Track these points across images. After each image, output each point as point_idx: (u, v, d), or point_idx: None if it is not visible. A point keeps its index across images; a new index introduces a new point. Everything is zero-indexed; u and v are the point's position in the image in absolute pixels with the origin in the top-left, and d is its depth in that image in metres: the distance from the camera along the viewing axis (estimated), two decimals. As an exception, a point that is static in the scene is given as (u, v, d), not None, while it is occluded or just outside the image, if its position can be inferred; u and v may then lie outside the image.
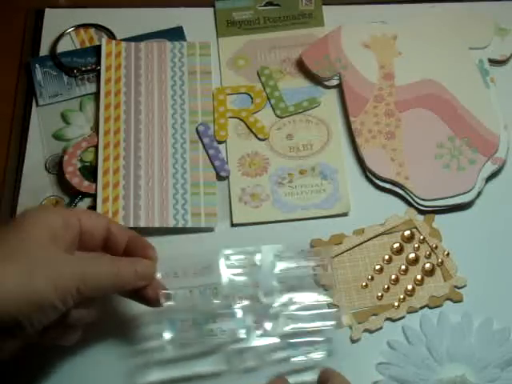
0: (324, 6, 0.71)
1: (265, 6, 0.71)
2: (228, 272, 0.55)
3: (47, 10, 0.71)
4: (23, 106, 0.67)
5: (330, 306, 0.57)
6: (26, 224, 0.51)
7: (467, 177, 0.62)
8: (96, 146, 0.64)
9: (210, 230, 0.62)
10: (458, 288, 0.59)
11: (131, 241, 0.55)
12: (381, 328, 0.57)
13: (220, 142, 0.65)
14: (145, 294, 0.54)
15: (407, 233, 0.60)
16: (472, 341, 0.56)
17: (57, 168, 0.64)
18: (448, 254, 0.60)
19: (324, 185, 0.63)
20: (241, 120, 0.66)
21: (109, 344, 0.58)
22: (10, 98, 0.67)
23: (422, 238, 0.60)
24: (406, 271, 0.59)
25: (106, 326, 0.58)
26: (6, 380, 0.57)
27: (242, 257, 0.55)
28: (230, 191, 0.63)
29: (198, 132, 0.64)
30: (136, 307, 0.56)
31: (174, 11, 0.72)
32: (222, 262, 0.55)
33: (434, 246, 0.60)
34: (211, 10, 0.72)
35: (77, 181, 0.63)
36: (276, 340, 0.55)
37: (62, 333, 0.53)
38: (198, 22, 0.71)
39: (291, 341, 0.56)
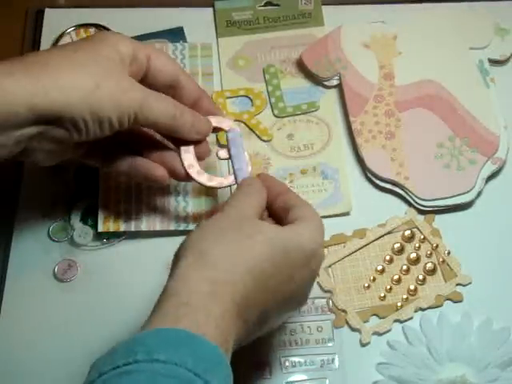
0: (324, 6, 0.71)
1: (264, 6, 0.71)
2: None
3: (47, 10, 0.71)
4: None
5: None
6: (97, 42, 0.53)
7: (467, 177, 0.62)
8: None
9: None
10: (463, 286, 0.59)
11: (200, 100, 0.57)
12: (389, 330, 0.57)
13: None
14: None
15: (407, 232, 0.60)
16: (472, 341, 0.56)
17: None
18: (449, 253, 0.60)
19: (325, 184, 0.63)
20: (242, 123, 0.66)
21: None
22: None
23: (422, 237, 0.60)
24: (407, 271, 0.59)
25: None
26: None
27: None
28: (231, 192, 0.63)
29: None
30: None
31: (174, 11, 0.72)
32: None
33: (435, 245, 0.60)
34: (211, 10, 0.72)
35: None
36: None
37: (98, 158, 0.57)
38: (197, 23, 0.71)
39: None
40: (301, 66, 0.68)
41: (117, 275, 0.60)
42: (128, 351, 0.41)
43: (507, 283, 0.59)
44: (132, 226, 0.61)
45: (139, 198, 0.62)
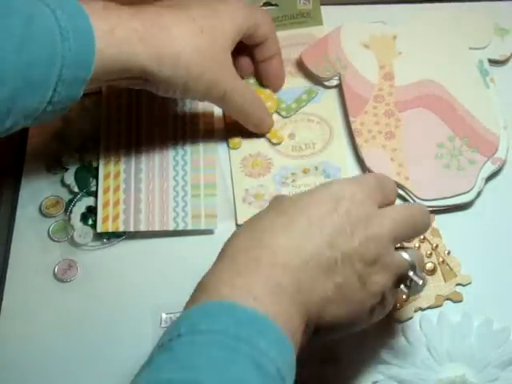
0: (323, 7, 0.71)
1: (263, 5, 0.71)
2: None
3: (47, 10, 0.71)
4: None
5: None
6: (220, 18, 0.58)
7: (467, 177, 0.61)
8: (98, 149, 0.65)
9: (209, 232, 0.62)
10: (463, 286, 0.59)
11: (273, 58, 0.64)
12: (389, 330, 0.57)
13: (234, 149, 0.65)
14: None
15: (407, 232, 0.60)
16: (472, 341, 0.56)
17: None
18: (449, 253, 0.60)
19: None
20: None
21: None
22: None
23: (422, 237, 0.60)
24: (407, 271, 0.59)
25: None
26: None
27: None
28: (233, 192, 0.63)
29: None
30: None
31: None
32: None
33: (435, 245, 0.60)
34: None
35: None
36: None
37: None
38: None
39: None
40: (300, 66, 0.68)
41: (117, 275, 0.60)
42: (173, 328, 0.42)
43: (507, 283, 0.59)
44: (131, 226, 0.61)
45: (138, 198, 0.62)
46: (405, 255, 0.49)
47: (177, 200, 0.62)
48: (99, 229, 0.61)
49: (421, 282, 0.49)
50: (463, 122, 0.64)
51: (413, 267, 0.49)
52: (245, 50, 0.64)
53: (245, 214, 0.61)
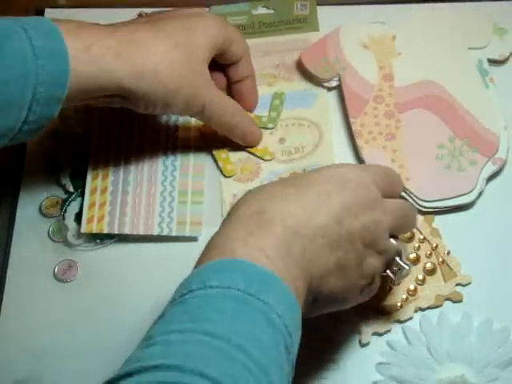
0: (321, 7, 0.71)
1: (259, 10, 0.71)
2: None
3: (47, 10, 0.71)
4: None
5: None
6: (193, 32, 0.58)
7: (468, 177, 0.61)
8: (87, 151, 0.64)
9: (193, 239, 0.61)
10: (463, 286, 0.59)
11: (246, 81, 0.64)
12: (389, 330, 0.57)
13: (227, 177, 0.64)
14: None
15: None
16: (472, 341, 0.56)
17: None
18: (449, 253, 0.60)
19: None
20: (243, 151, 0.65)
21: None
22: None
23: (422, 237, 0.60)
24: (407, 271, 0.59)
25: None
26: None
27: None
28: (221, 197, 0.62)
29: None
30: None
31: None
32: None
33: (435, 245, 0.60)
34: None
35: None
36: None
37: None
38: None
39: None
40: (300, 67, 0.68)
41: (117, 275, 0.60)
42: (185, 285, 0.43)
43: (507, 283, 0.59)
44: (115, 229, 0.61)
45: (125, 200, 0.62)
46: (395, 242, 0.52)
47: (163, 205, 0.62)
48: (83, 229, 0.61)
49: (407, 267, 0.52)
50: (463, 122, 0.64)
51: (400, 254, 0.52)
52: (219, 70, 0.64)
53: None
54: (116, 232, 0.61)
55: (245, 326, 0.40)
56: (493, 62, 0.67)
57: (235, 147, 0.64)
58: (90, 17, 0.71)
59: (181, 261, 0.61)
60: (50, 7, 0.72)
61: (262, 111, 0.66)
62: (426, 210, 0.61)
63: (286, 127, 0.65)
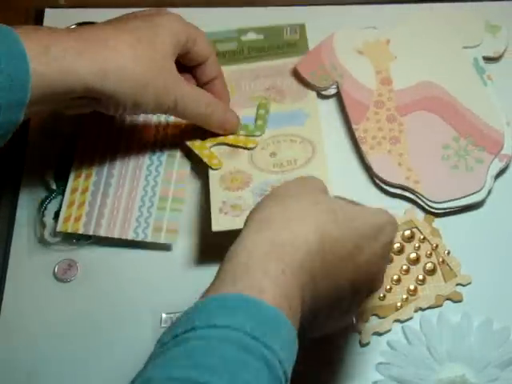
0: (315, 7, 0.71)
1: (249, 36, 0.70)
2: None
3: (47, 10, 0.72)
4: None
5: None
6: (158, 29, 0.57)
7: (476, 176, 0.62)
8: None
9: (167, 247, 0.61)
10: (463, 286, 0.59)
11: (215, 80, 0.63)
12: (389, 330, 0.57)
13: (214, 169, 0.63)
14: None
15: (407, 232, 0.60)
16: (472, 341, 0.56)
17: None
18: (449, 253, 0.60)
19: None
20: (224, 144, 0.63)
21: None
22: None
23: (422, 237, 0.60)
24: (407, 271, 0.59)
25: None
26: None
27: None
28: (210, 204, 0.60)
29: None
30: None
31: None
32: None
33: (435, 245, 0.60)
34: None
35: None
36: None
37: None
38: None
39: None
40: (297, 76, 0.67)
41: (117, 275, 0.60)
42: (187, 319, 0.42)
43: (507, 283, 0.59)
44: (91, 230, 0.60)
45: (104, 202, 0.61)
46: None
47: (142, 210, 0.61)
48: (59, 228, 0.61)
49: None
50: (466, 121, 0.64)
51: None
52: (187, 72, 0.63)
53: (220, 220, 0.59)
54: (91, 233, 0.60)
55: (246, 377, 0.39)
56: (488, 59, 0.68)
57: (217, 142, 0.63)
58: (89, 17, 0.71)
59: (181, 261, 0.61)
60: (50, 7, 0.72)
61: (275, 125, 0.65)
62: (437, 211, 0.61)
63: (278, 143, 0.63)
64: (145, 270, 0.61)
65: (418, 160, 0.63)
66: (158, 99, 0.57)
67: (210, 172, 0.62)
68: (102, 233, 0.60)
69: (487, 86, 0.66)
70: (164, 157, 0.63)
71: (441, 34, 0.68)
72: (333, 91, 0.67)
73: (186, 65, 0.62)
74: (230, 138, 0.63)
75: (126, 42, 0.55)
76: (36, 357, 0.57)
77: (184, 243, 0.61)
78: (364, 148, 0.64)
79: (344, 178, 0.63)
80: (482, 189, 0.61)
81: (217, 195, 0.60)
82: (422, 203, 0.61)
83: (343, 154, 0.65)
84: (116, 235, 0.60)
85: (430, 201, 0.61)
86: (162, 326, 0.58)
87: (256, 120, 0.64)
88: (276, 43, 0.69)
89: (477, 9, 0.70)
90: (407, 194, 0.62)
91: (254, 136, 0.64)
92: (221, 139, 0.63)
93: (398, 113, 0.65)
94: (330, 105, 0.67)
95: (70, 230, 0.60)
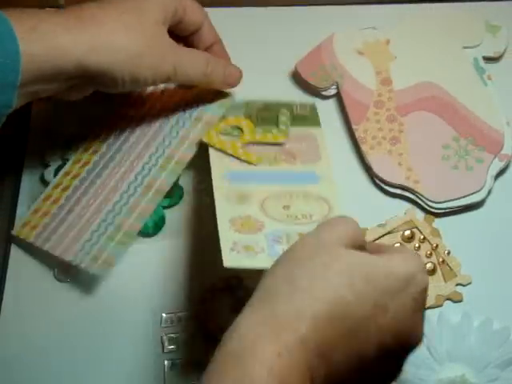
0: (314, 7, 0.71)
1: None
2: None
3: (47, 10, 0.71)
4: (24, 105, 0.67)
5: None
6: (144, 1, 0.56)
7: (476, 176, 0.62)
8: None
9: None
10: (463, 286, 0.59)
11: (214, 45, 0.62)
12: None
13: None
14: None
15: (407, 233, 0.60)
16: (472, 341, 0.56)
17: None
18: (449, 253, 0.60)
19: None
20: (229, 155, 0.61)
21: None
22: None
23: (422, 237, 0.60)
24: (407, 271, 0.59)
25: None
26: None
27: None
28: (219, 240, 0.55)
29: None
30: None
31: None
32: None
33: (435, 245, 0.60)
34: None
35: None
36: None
37: None
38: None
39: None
40: (297, 78, 0.67)
41: (117, 275, 0.60)
42: None
43: (507, 283, 0.59)
44: (39, 242, 0.60)
45: (65, 218, 0.60)
46: None
47: (93, 235, 0.59)
48: (14, 231, 0.61)
49: None
50: (466, 121, 0.64)
51: None
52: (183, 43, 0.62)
53: (232, 259, 0.53)
54: (37, 245, 0.59)
55: None
56: (488, 59, 0.68)
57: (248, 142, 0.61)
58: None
59: (181, 260, 0.61)
60: (50, 7, 0.72)
61: (282, 181, 0.60)
62: (437, 211, 0.61)
63: (291, 197, 0.59)
64: (145, 269, 0.60)
65: (418, 160, 0.63)
66: (155, 67, 0.56)
67: (218, 212, 0.57)
68: (46, 248, 0.59)
69: (487, 86, 0.66)
70: (140, 188, 0.61)
71: (441, 33, 0.68)
72: (333, 91, 0.67)
73: (181, 35, 0.61)
74: (258, 137, 0.62)
75: (113, 15, 0.54)
76: (36, 357, 0.57)
77: (184, 243, 0.61)
78: (364, 148, 0.64)
79: (344, 178, 0.63)
80: (481, 189, 0.61)
81: (226, 235, 0.55)
82: (422, 203, 0.61)
83: (343, 154, 0.65)
84: (57, 254, 0.59)
85: (430, 201, 0.61)
86: (162, 326, 0.58)
87: (279, 125, 0.63)
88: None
89: (477, 9, 0.70)
90: (407, 194, 0.62)
91: (277, 144, 0.62)
92: (248, 139, 0.62)
93: (398, 113, 0.65)
94: (330, 105, 0.67)
95: (22, 236, 0.60)
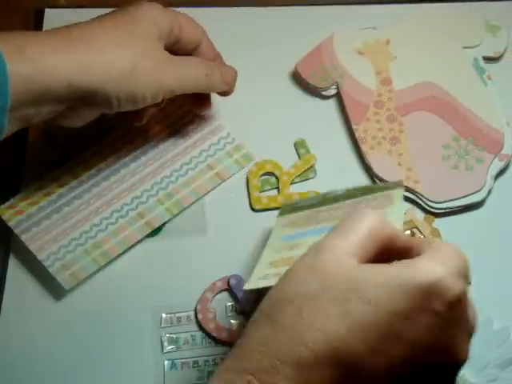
0: (314, 7, 0.71)
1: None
2: None
3: (47, 10, 0.71)
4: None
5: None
6: (136, 17, 0.54)
7: (476, 176, 0.62)
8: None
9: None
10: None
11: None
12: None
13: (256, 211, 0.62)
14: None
15: (407, 232, 0.60)
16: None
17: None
18: (449, 253, 0.60)
19: None
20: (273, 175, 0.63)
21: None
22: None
23: (422, 237, 0.60)
24: (407, 271, 0.59)
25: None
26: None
27: None
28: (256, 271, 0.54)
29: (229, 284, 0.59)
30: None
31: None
32: None
33: (435, 245, 0.60)
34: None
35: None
36: None
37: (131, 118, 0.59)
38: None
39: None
40: (297, 78, 0.67)
41: (117, 275, 0.60)
42: None
43: (507, 283, 0.59)
44: (18, 229, 0.60)
45: (51, 215, 0.60)
46: None
47: (71, 242, 0.59)
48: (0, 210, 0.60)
49: None
50: (466, 121, 0.64)
51: None
52: None
53: (255, 284, 0.51)
54: (15, 232, 0.59)
55: None
56: (488, 59, 0.68)
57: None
58: (89, 17, 0.71)
59: (182, 260, 0.61)
60: (50, 7, 0.72)
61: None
62: (437, 211, 0.61)
63: None
64: (145, 269, 0.60)
65: (418, 160, 0.63)
66: (152, 81, 0.54)
67: (264, 255, 0.55)
68: (23, 238, 0.59)
69: (487, 86, 0.66)
70: (132, 213, 0.61)
71: (441, 33, 0.68)
72: (333, 91, 0.67)
73: (180, 54, 0.59)
74: (283, 178, 0.63)
75: (102, 33, 0.53)
76: (36, 357, 0.57)
77: (184, 243, 0.61)
78: (364, 148, 0.64)
79: (344, 178, 0.63)
80: (481, 189, 0.61)
81: (262, 270, 0.53)
82: (422, 203, 0.61)
83: (343, 154, 0.65)
84: (31, 248, 0.59)
85: (430, 201, 0.61)
86: (162, 325, 0.58)
87: (300, 158, 0.64)
88: None
89: (477, 9, 0.70)
90: (407, 194, 0.62)
91: (308, 179, 0.63)
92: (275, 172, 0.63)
93: (398, 113, 0.65)
94: (330, 105, 0.67)
95: (3, 218, 0.60)
